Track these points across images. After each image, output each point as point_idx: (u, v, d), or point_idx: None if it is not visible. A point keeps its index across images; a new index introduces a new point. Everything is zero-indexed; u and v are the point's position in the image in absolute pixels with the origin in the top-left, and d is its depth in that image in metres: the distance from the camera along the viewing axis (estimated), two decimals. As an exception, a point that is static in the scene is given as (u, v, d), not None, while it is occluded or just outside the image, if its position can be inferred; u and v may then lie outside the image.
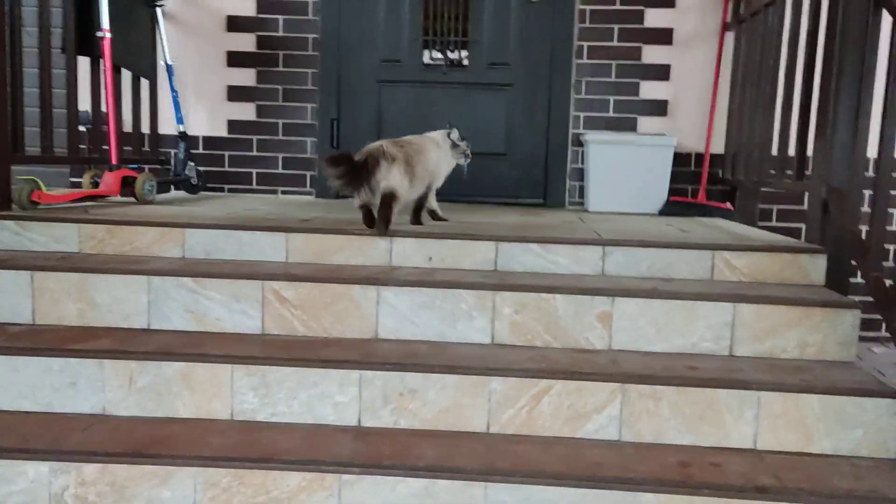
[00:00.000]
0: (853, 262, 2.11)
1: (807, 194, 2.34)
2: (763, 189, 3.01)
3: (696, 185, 3.45)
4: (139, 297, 2.06)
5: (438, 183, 2.58)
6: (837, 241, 2.15)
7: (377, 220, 2.25)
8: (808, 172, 2.39)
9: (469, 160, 2.61)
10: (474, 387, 1.82)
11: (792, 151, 2.52)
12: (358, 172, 2.20)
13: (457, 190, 3.46)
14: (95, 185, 2.90)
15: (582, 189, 3.52)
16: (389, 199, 2.23)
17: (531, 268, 2.24)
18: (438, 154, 2.52)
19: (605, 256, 2.22)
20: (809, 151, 2.37)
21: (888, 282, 1.88)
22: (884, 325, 2.53)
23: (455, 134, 2.57)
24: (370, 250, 2.26)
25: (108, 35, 2.79)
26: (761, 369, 1.88)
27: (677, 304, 1.99)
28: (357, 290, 2.04)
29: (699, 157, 3.47)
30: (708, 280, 2.19)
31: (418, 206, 2.52)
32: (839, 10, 2.19)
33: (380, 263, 2.26)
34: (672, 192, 3.37)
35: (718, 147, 3.42)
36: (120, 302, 2.06)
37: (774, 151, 2.71)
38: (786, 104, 2.64)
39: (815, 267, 2.17)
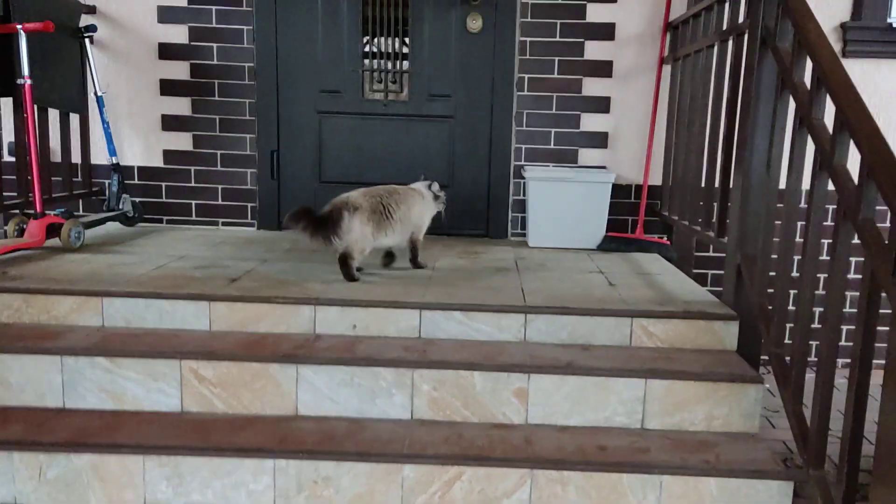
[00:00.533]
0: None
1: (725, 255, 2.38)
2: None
3: (637, 217, 3.48)
4: (53, 377, 2.04)
5: (420, 233, 2.77)
6: (749, 308, 2.19)
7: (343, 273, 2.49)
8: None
9: (444, 207, 2.83)
10: (388, 473, 1.84)
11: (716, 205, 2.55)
12: (323, 225, 2.38)
13: None
14: (21, 231, 2.84)
15: (524, 220, 3.52)
16: (345, 257, 2.47)
17: (454, 335, 2.25)
18: (423, 206, 2.72)
19: (526, 324, 2.24)
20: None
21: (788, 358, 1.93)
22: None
23: (436, 186, 2.78)
24: (294, 318, 2.26)
25: (28, 82, 2.72)
26: (668, 447, 1.93)
27: (592, 381, 2.03)
28: (276, 369, 2.04)
29: (639, 188, 3.50)
30: (626, 347, 2.23)
31: (413, 255, 2.76)
32: (752, 85, 2.20)
33: (304, 331, 2.26)
34: (613, 223, 3.39)
35: (657, 179, 3.45)
36: (33, 381, 2.04)
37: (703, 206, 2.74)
38: (710, 157, 2.67)
39: (728, 334, 2.22)
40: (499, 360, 2.09)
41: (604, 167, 3.51)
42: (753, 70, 2.19)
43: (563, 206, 3.30)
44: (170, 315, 2.24)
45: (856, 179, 1.56)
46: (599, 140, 3.51)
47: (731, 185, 2.37)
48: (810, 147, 1.84)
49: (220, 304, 2.25)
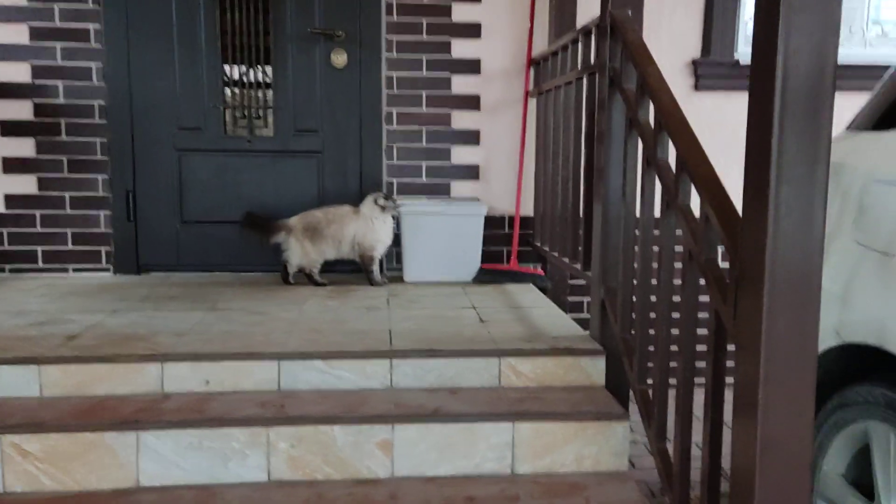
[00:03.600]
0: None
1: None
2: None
3: (509, 247, 3.49)
4: None
5: (372, 249, 3.13)
6: (614, 342, 2.20)
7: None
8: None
9: (397, 209, 3.15)
10: (239, 546, 1.70)
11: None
12: (264, 230, 3.14)
13: (266, 260, 3.33)
14: None
15: (400, 255, 3.45)
16: (284, 263, 3.16)
17: (316, 385, 2.14)
18: (360, 222, 3.10)
19: (392, 369, 2.16)
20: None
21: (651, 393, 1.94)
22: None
23: (377, 198, 3.10)
24: (139, 378, 2.08)
25: None
26: (538, 493, 1.88)
27: (459, 427, 1.96)
28: (113, 437, 1.86)
29: (512, 220, 3.51)
30: (495, 388, 2.18)
31: (366, 272, 3.18)
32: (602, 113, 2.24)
33: (149, 392, 2.08)
34: (487, 255, 3.38)
35: (530, 209, 3.48)
36: None
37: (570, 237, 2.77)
38: (573, 189, 2.70)
39: (595, 369, 2.21)
40: (362, 410, 1.99)
41: (476, 199, 3.51)
42: (605, 107, 2.22)
43: (436, 239, 3.26)
44: (-7, 382, 2.01)
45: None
46: (471, 172, 3.51)
47: (594, 215, 2.39)
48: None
49: (53, 367, 2.04)
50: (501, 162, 3.51)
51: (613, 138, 2.20)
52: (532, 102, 3.43)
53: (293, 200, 3.42)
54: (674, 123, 1.71)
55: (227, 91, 3.39)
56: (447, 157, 3.49)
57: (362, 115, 3.42)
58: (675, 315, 1.72)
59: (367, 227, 3.09)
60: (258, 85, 3.41)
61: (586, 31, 2.52)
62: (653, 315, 1.89)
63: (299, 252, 3.10)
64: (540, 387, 2.20)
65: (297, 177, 3.44)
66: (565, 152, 2.84)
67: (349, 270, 3.38)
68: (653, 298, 1.91)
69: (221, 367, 2.10)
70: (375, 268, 3.15)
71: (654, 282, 1.90)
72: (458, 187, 3.51)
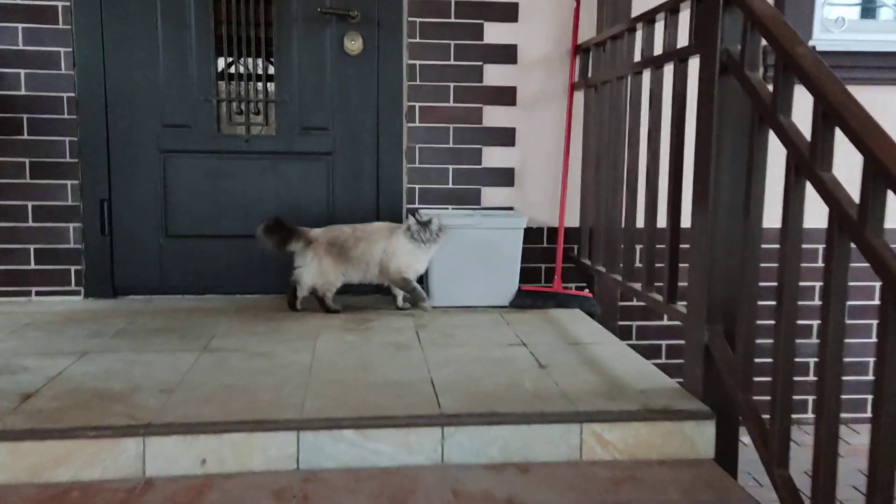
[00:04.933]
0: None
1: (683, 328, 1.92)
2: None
3: (551, 263, 3.00)
4: None
5: (401, 272, 2.65)
6: (726, 403, 1.73)
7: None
8: (685, 297, 1.95)
9: (436, 241, 2.64)
10: None
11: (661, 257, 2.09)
12: (284, 240, 2.62)
13: (265, 280, 2.83)
14: None
15: (424, 275, 2.96)
16: (317, 297, 2.67)
17: (346, 462, 1.64)
18: (390, 243, 2.64)
19: (444, 440, 1.67)
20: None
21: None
22: None
23: (412, 221, 2.61)
24: (112, 457, 1.57)
25: None
26: None
27: (540, 525, 1.47)
28: (77, 553, 1.35)
29: (553, 231, 3.02)
30: (576, 463, 1.70)
31: (406, 298, 2.74)
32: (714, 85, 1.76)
33: (128, 476, 1.57)
34: (525, 273, 2.89)
35: (574, 220, 3.00)
36: None
37: (639, 257, 2.28)
38: (649, 191, 2.22)
39: (702, 437, 1.74)
40: (411, 500, 1.49)
41: (511, 208, 3.02)
42: (715, 100, 1.74)
43: (467, 256, 2.77)
44: (-85, 470, 1.50)
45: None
46: (505, 177, 3.02)
47: (695, 234, 1.91)
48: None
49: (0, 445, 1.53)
50: (541, 165, 3.02)
51: (726, 140, 1.73)
52: (578, 96, 2.95)
53: (298, 210, 2.92)
54: (857, 123, 1.23)
55: (221, 82, 2.87)
56: (478, 159, 2.99)
57: (380, 111, 2.92)
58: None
59: (396, 247, 2.64)
60: (258, 75, 2.90)
61: (672, 8, 2.04)
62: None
63: (315, 270, 2.61)
64: (632, 461, 1.72)
65: (304, 183, 2.93)
66: (631, 153, 2.36)
67: (361, 292, 2.88)
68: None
69: (222, 441, 1.60)
70: (419, 290, 2.71)
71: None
72: (491, 195, 3.03)
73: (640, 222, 2.33)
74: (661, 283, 2.13)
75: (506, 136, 3.00)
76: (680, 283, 2.03)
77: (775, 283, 1.51)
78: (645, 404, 1.78)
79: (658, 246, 2.18)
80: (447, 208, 3.00)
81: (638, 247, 2.36)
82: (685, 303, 1.93)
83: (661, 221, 2.19)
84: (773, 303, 1.51)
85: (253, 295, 2.93)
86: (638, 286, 2.29)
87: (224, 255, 2.90)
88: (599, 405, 1.77)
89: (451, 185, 3.00)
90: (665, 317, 3.07)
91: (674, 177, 2.04)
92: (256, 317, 2.62)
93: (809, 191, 1.40)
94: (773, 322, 1.50)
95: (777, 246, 1.50)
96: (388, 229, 2.67)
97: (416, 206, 2.98)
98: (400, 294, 2.74)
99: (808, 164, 1.38)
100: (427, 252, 2.64)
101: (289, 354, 2.16)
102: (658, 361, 3.12)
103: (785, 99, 1.49)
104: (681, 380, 1.94)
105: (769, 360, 1.54)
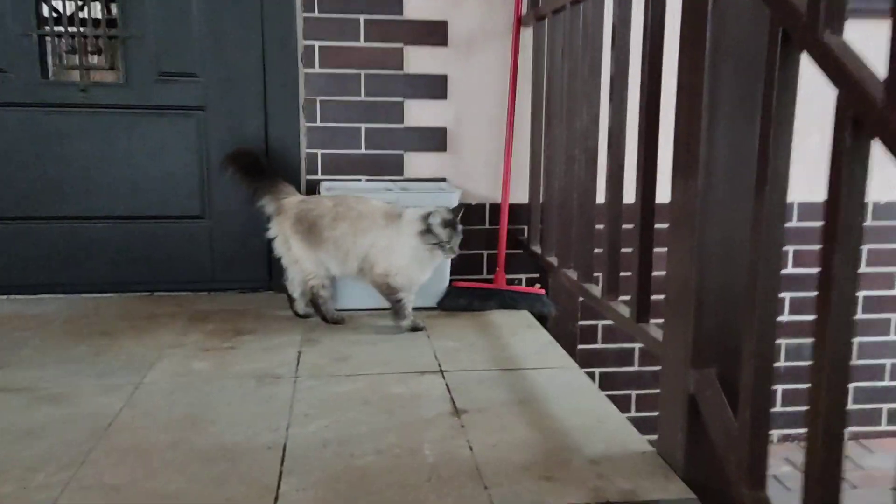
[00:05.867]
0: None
1: (660, 367, 1.27)
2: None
3: (494, 250, 2.35)
4: None
5: (390, 275, 1.89)
6: (720, 486, 1.09)
7: None
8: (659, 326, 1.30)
9: (449, 253, 1.88)
10: None
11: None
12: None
13: (127, 275, 2.17)
14: None
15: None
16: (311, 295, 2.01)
17: None
18: (386, 235, 1.89)
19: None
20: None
21: None
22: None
23: (437, 218, 1.85)
24: None
25: None
26: None
27: None
28: None
29: (496, 209, 2.36)
30: None
31: (392, 309, 1.95)
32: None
33: None
34: (460, 263, 2.22)
35: (522, 194, 2.34)
36: None
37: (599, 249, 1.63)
38: (613, 157, 1.56)
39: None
40: None
41: (443, 180, 2.35)
42: (706, 19, 1.08)
43: (381, 246, 2.09)
44: None
45: None
46: (435, 140, 2.34)
47: (675, 222, 1.27)
48: None
49: None
50: (480, 124, 2.35)
51: (723, 80, 1.07)
52: (526, 34, 2.27)
53: (164, 182, 2.23)
54: None
55: (46, 10, 2.14)
56: (398, 116, 2.31)
57: (266, 52, 2.22)
58: None
59: (394, 242, 1.89)
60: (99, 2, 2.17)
61: None
62: None
63: (284, 252, 1.98)
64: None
65: (166, 148, 2.23)
66: (590, 107, 1.69)
67: (251, 288, 2.22)
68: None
69: None
70: (405, 305, 1.94)
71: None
72: (416, 162, 2.35)
73: (602, 199, 1.68)
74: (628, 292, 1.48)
75: (435, 87, 2.31)
76: (657, 296, 1.38)
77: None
78: (598, 490, 1.14)
79: (627, 226, 1.53)
80: (360, 180, 2.32)
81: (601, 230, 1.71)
82: (662, 321, 1.28)
83: (631, 198, 1.55)
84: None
85: (105, 294, 2.25)
86: (597, 291, 1.64)
87: (60, 243, 2.21)
88: (526, 493, 1.13)
89: (363, 150, 2.31)
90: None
91: (646, 136, 1.37)
92: (88, 329, 1.95)
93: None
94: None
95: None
96: (383, 215, 1.91)
97: (319, 177, 2.29)
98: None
99: (880, 115, 0.73)
100: (433, 261, 1.93)
101: (94, 397, 1.49)
102: (629, 371, 2.49)
103: (834, 4, 0.83)
104: (654, 437, 1.30)
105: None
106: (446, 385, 1.59)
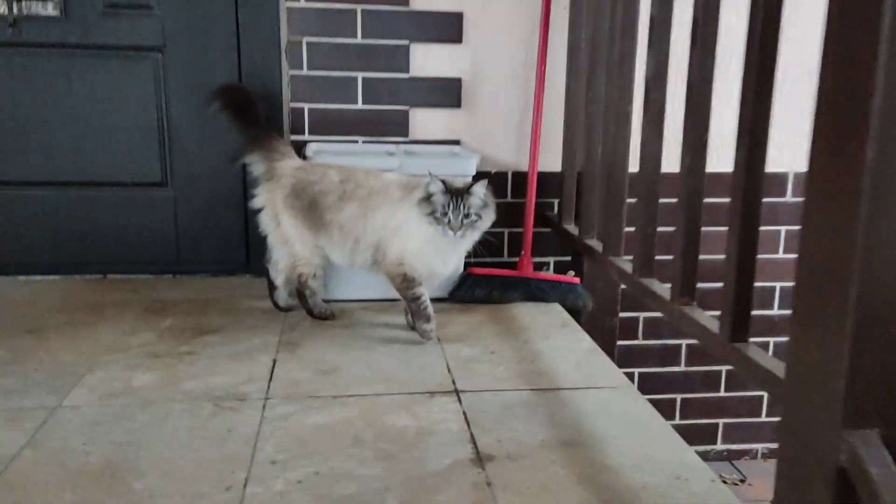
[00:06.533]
0: None
1: (782, 402, 0.88)
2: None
3: (518, 228, 1.94)
4: None
5: (406, 265, 1.46)
6: None
7: None
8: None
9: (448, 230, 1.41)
10: None
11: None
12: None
13: (77, 256, 1.79)
14: None
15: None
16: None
17: None
18: (404, 211, 1.46)
19: None
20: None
21: None
22: None
23: (437, 185, 1.41)
24: None
25: None
26: None
27: None
28: None
29: (520, 180, 1.95)
30: None
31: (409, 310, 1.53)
32: None
33: None
34: (477, 244, 1.81)
35: (554, 161, 1.93)
36: None
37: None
38: (694, 117, 1.14)
39: None
40: None
41: (457, 142, 1.93)
42: None
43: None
44: None
45: None
46: (447, 93, 1.92)
47: (814, 199, 0.86)
48: None
49: None
50: (502, 75, 1.92)
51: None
52: (563, -41, 1.83)
53: (108, 145, 1.82)
54: None
55: (-37, -78, 1.71)
56: (403, 63, 1.88)
57: (238, -21, 1.79)
58: None
59: (405, 224, 1.47)
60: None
61: None
62: None
63: (272, 230, 1.59)
64: None
65: (114, 97, 1.81)
66: (660, 56, 1.27)
67: (226, 270, 1.83)
68: None
69: None
70: (424, 304, 1.49)
71: None
72: (424, 121, 1.93)
73: (669, 167, 1.27)
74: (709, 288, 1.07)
75: (448, 27, 1.88)
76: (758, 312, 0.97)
77: None
78: None
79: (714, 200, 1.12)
80: (356, 141, 1.90)
81: (667, 204, 1.30)
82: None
83: (715, 166, 1.15)
84: None
85: (48, 277, 1.86)
86: (664, 291, 1.23)
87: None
88: None
89: (360, 106, 1.89)
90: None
91: (757, 84, 0.95)
92: (12, 323, 1.57)
93: None
94: None
95: None
96: (399, 187, 1.51)
97: (306, 137, 1.88)
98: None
99: None
100: (457, 244, 1.47)
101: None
102: (674, 371, 2.10)
103: None
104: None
105: None
106: (463, 414, 1.20)
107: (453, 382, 1.32)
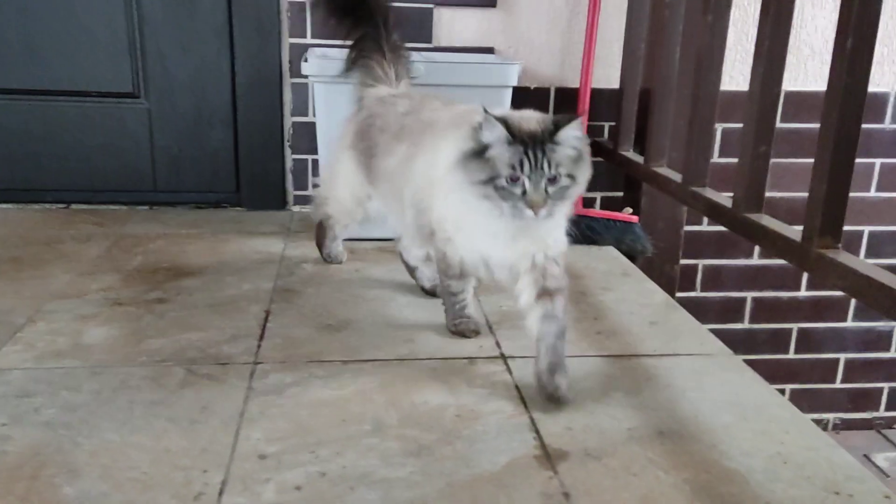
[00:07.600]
0: None
1: None
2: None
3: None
4: None
5: (446, 235, 0.97)
6: None
7: None
8: None
9: (555, 203, 0.85)
10: None
11: None
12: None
13: (35, 180, 1.48)
14: None
15: (318, 165, 1.56)
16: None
17: None
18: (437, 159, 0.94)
19: None
20: None
21: None
22: None
23: (494, 128, 0.83)
24: None
25: None
26: None
27: None
28: None
29: (568, 96, 1.62)
30: None
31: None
32: None
33: None
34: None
35: (611, 76, 1.60)
36: None
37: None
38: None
39: None
40: None
41: (491, 50, 1.59)
42: None
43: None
44: None
45: None
46: (480, -10, 1.57)
47: None
48: None
49: None
50: (548, -33, 1.57)
51: None
52: None
53: (67, 45, 1.49)
54: None
55: None
56: (427, -51, 1.53)
57: None
58: None
59: (442, 183, 0.93)
60: None
61: None
62: None
63: (333, 164, 1.25)
64: None
65: (75, 15, 1.47)
66: None
67: (215, 203, 1.53)
68: None
69: None
70: (456, 298, 1.03)
71: None
72: (452, 23, 1.59)
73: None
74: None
75: None
76: None
77: None
78: None
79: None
80: (369, 47, 1.55)
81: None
82: None
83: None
84: None
85: (28, 205, 1.56)
86: (793, 232, 0.91)
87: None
88: None
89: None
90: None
91: None
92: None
93: None
94: None
95: None
96: (452, 118, 1.00)
97: (308, 40, 1.54)
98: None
99: None
100: (534, 227, 0.88)
101: None
102: (737, 329, 1.81)
103: None
104: None
105: None
106: (516, 388, 0.90)
107: (497, 345, 1.03)
